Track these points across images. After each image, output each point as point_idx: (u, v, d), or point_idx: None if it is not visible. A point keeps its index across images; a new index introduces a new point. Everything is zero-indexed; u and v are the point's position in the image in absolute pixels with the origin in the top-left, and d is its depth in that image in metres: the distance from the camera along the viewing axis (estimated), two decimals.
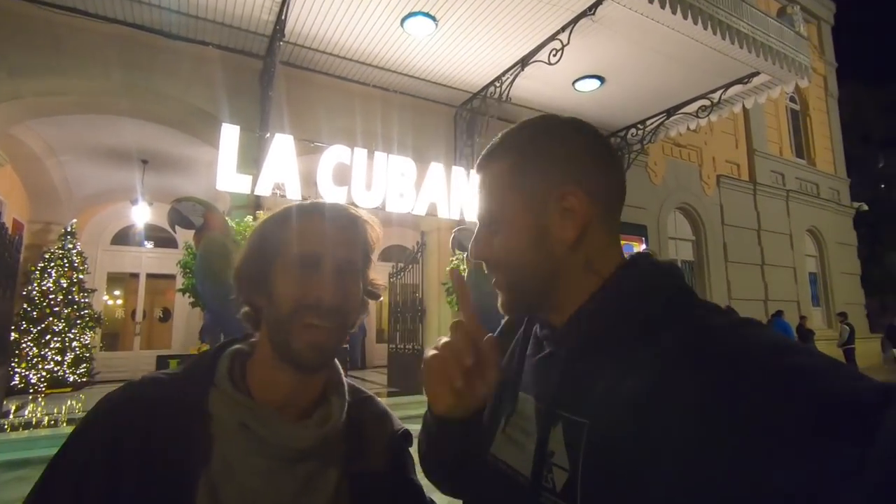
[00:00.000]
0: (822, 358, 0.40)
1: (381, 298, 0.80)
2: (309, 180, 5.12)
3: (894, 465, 0.30)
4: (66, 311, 6.94)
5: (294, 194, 4.89)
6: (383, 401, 0.82)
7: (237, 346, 0.73)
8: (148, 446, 0.59)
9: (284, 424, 0.65)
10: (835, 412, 0.34)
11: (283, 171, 4.86)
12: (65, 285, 7.01)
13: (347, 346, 9.51)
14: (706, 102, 6.41)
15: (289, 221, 0.70)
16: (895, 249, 21.75)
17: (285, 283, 0.66)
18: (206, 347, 4.95)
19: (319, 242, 0.68)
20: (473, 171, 0.66)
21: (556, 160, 0.59)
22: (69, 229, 7.34)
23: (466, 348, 0.56)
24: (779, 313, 10.15)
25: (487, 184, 0.63)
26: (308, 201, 0.73)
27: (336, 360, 0.75)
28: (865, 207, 13.84)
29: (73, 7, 4.44)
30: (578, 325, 0.57)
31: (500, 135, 0.63)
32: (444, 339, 0.59)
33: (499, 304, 0.63)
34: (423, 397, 0.64)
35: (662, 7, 4.54)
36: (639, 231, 8.61)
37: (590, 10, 4.63)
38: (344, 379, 0.76)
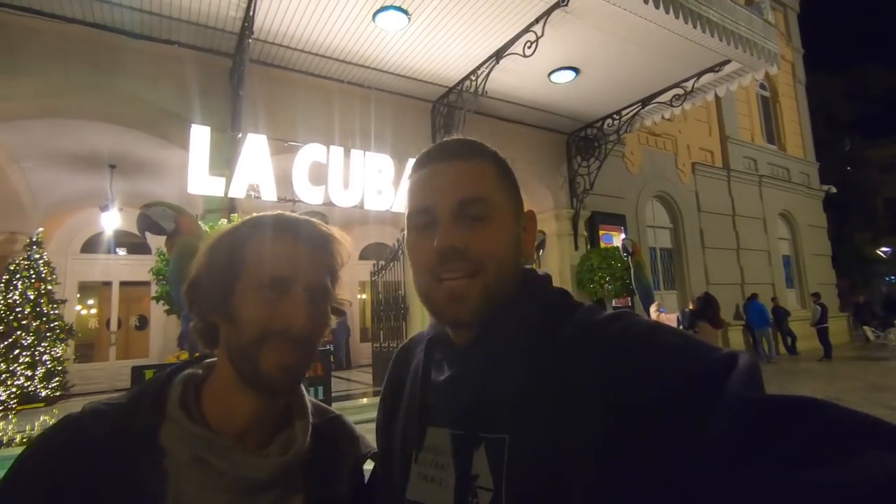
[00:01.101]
0: (683, 336, 0.48)
1: (346, 314, 0.77)
2: (284, 180, 5.01)
3: (733, 421, 0.37)
4: (34, 323, 6.68)
5: (269, 195, 4.78)
6: (369, 400, 0.78)
7: (190, 370, 0.67)
8: (91, 493, 0.53)
9: (244, 455, 0.60)
10: (691, 380, 0.42)
11: (257, 172, 4.74)
12: (32, 297, 6.75)
13: (332, 346, 9.41)
14: (679, 91, 6.48)
15: (255, 237, 0.64)
16: (862, 230, 22.51)
17: (250, 307, 0.61)
18: (185, 355, 4.83)
19: (289, 264, 0.63)
20: (444, 154, 0.61)
21: (516, 183, 0.63)
22: (35, 239, 7.07)
23: None
24: (754, 296, 10.44)
25: (476, 173, 0.60)
26: (274, 214, 0.67)
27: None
28: (834, 190, 14.26)
29: (27, 7, 4.23)
30: (486, 341, 0.58)
31: (469, 139, 0.63)
32: None
33: (459, 310, 0.57)
34: None
35: None
36: (618, 220, 8.69)
37: (562, 2, 4.61)
38: (307, 400, 0.72)
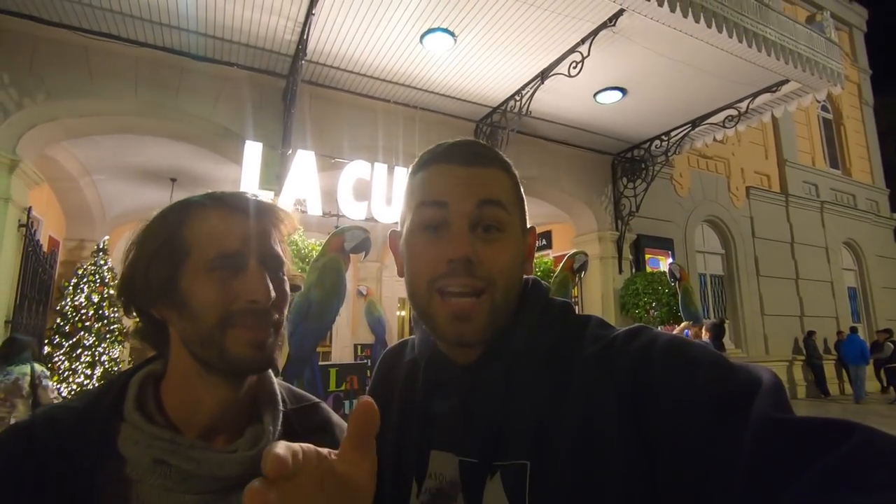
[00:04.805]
0: (709, 352, 0.46)
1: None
2: (330, 196, 5.16)
3: (762, 443, 0.36)
4: (96, 325, 7.11)
5: (315, 210, 4.93)
6: None
7: (149, 367, 0.63)
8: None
9: (209, 453, 0.56)
10: (719, 401, 0.41)
11: (304, 187, 4.91)
12: (96, 300, 7.19)
13: (368, 360, 9.47)
14: (733, 112, 6.25)
15: (192, 217, 0.59)
16: None
17: (205, 292, 0.56)
18: None
19: (238, 238, 0.58)
20: (460, 157, 0.56)
21: (523, 196, 0.60)
22: (101, 246, 7.56)
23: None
24: (853, 329, 9.99)
25: (494, 178, 0.56)
26: (205, 193, 0.63)
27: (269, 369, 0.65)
28: None
29: (105, 32, 4.62)
30: (495, 361, 0.54)
31: (483, 145, 0.59)
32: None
33: (463, 330, 0.53)
34: None
35: (685, 16, 4.45)
36: (665, 244, 8.38)
37: (610, 22, 4.58)
38: (277, 388, 0.67)
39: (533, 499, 0.46)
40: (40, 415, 0.57)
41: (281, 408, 0.65)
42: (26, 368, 3.72)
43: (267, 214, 0.63)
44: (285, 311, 0.62)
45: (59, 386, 6.67)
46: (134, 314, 0.62)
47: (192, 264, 0.57)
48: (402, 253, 0.59)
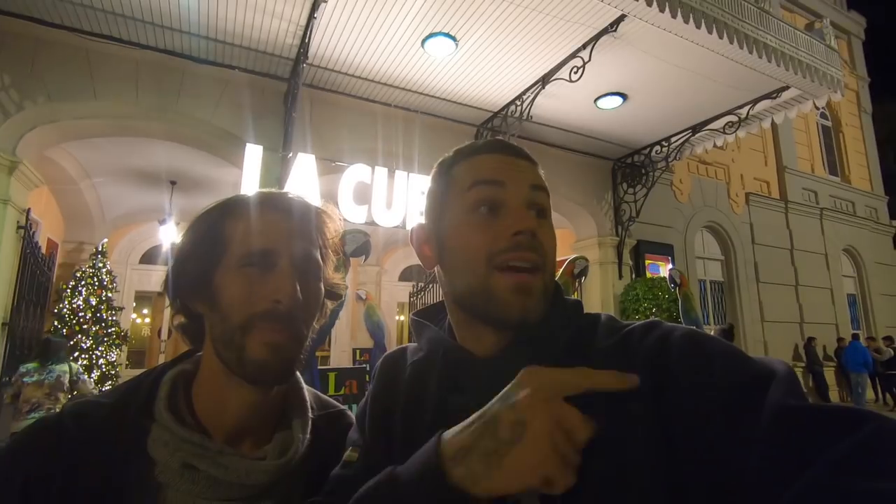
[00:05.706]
0: (723, 343, 0.47)
1: (344, 298, 0.70)
2: (330, 199, 5.14)
3: (777, 429, 0.37)
4: (94, 328, 7.06)
5: None
6: None
7: (181, 365, 0.61)
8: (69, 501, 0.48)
9: (238, 459, 0.54)
10: (737, 390, 0.41)
11: (304, 190, 4.89)
12: (94, 303, 7.15)
13: (368, 365, 9.44)
14: (733, 118, 6.26)
15: (232, 214, 0.59)
16: None
17: (233, 288, 0.55)
18: None
19: (271, 237, 0.57)
20: (510, 148, 0.61)
21: None
22: (100, 248, 7.54)
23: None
24: (855, 336, 10.07)
25: (537, 172, 0.59)
26: (253, 192, 0.62)
27: (297, 374, 0.63)
28: None
29: (107, 34, 4.62)
30: (520, 353, 0.53)
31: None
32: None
33: (526, 303, 0.52)
34: None
35: (686, 22, 4.47)
36: (665, 250, 8.38)
37: (611, 27, 4.59)
38: (306, 394, 0.66)
39: (565, 495, 0.46)
40: (69, 410, 0.55)
41: (310, 415, 0.63)
42: (65, 366, 4.12)
43: (309, 216, 0.62)
44: (313, 321, 0.60)
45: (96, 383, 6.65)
46: (178, 307, 0.61)
47: (226, 261, 0.57)
48: (441, 241, 0.58)
